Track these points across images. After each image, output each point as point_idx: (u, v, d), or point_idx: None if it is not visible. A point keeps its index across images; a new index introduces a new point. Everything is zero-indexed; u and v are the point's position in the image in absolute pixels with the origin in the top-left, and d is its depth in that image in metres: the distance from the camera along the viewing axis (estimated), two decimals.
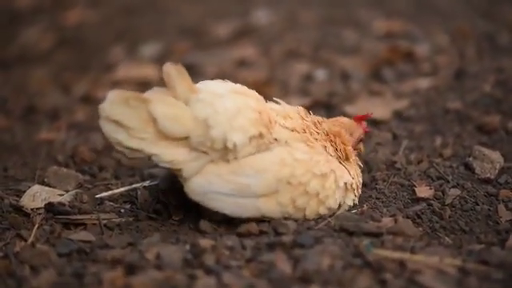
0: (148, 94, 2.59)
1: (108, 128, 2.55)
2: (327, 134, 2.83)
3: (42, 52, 5.18)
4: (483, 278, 2.34)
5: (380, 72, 4.22)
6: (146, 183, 3.03)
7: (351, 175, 2.81)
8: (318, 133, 2.79)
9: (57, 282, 2.34)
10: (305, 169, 2.67)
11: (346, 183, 2.77)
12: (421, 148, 3.34)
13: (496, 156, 3.11)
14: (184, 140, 2.58)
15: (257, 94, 2.74)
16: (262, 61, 4.58)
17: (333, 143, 2.82)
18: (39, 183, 3.05)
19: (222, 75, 2.78)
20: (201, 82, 2.71)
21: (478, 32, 4.70)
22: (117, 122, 2.54)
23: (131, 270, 2.36)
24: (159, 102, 2.56)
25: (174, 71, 2.59)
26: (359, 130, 2.94)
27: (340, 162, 2.80)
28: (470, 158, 3.11)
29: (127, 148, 2.57)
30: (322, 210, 2.71)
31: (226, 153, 2.60)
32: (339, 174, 2.75)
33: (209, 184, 2.60)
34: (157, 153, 2.57)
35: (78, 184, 3.10)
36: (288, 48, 4.70)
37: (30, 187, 2.97)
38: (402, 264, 2.38)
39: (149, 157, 2.58)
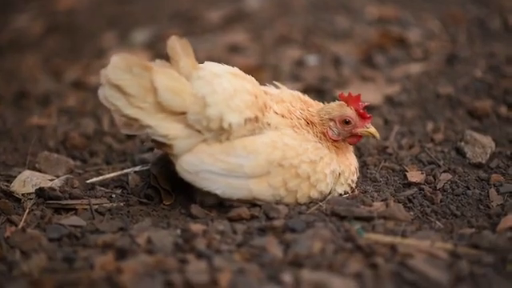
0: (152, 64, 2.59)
1: (108, 93, 2.54)
2: (306, 122, 2.80)
3: (33, 38, 5.15)
4: (474, 261, 2.35)
5: (372, 57, 4.22)
6: (137, 168, 3.02)
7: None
8: (298, 118, 2.77)
9: (47, 267, 2.34)
10: (295, 152, 2.66)
11: (334, 170, 2.76)
12: (412, 133, 3.34)
13: (487, 141, 3.11)
14: (181, 116, 2.58)
15: (253, 78, 2.74)
16: (254, 46, 4.57)
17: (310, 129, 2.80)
18: (30, 168, 3.05)
19: (213, 61, 2.76)
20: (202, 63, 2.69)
21: (470, 17, 4.69)
22: (117, 87, 2.53)
23: (122, 254, 2.36)
24: (162, 73, 2.55)
25: (178, 45, 2.59)
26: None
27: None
28: (462, 143, 3.12)
29: (124, 116, 2.55)
30: (314, 194, 2.71)
31: (220, 133, 2.59)
32: (327, 161, 2.75)
33: (201, 162, 2.59)
34: (153, 124, 2.56)
35: (68, 169, 3.09)
36: (280, 33, 4.69)
37: (20, 172, 2.97)
38: (393, 248, 2.39)
39: (144, 127, 2.56)
